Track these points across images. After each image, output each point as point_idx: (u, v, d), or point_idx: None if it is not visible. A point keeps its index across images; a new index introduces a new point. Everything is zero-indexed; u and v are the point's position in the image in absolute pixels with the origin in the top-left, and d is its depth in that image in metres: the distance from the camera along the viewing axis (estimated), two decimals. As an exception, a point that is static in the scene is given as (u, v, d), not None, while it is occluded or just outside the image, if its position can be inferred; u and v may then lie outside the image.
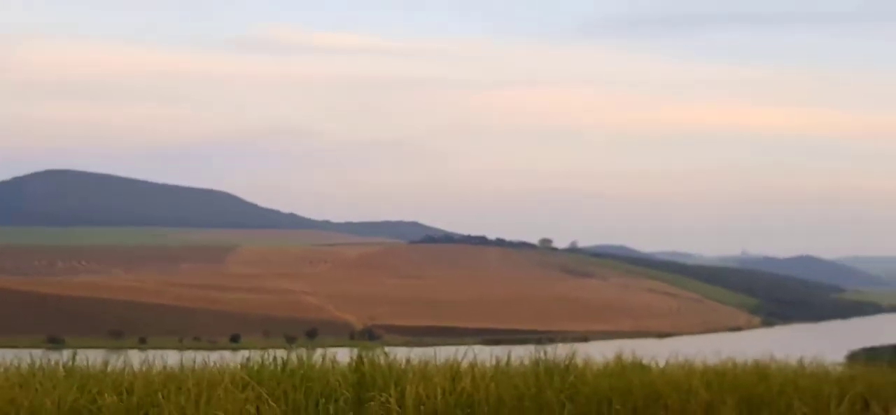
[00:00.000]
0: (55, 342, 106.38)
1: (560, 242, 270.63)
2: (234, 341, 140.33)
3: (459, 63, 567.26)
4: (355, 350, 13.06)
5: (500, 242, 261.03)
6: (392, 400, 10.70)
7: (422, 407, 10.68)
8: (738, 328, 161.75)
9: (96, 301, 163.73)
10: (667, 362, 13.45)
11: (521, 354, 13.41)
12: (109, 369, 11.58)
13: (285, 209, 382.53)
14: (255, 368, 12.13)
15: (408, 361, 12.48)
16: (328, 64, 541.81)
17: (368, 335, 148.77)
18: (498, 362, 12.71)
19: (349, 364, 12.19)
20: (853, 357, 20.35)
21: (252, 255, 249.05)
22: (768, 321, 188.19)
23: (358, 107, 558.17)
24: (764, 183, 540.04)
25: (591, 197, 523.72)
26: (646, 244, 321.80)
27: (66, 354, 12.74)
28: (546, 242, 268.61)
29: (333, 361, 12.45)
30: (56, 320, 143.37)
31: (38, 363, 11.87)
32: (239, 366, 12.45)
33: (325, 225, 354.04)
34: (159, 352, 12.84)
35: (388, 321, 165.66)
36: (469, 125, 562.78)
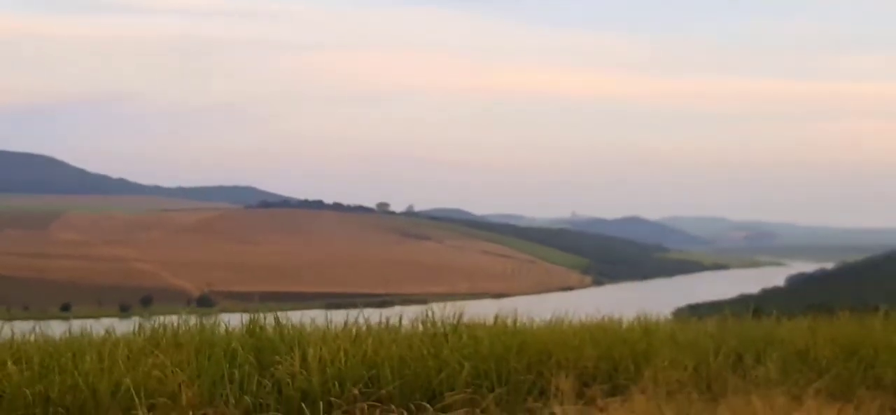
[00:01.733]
0: None
1: (397, 206, 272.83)
2: (65, 310, 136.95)
3: (285, 25, 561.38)
4: (246, 315, 13.09)
5: (337, 207, 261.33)
6: (296, 362, 10.73)
7: (327, 369, 10.70)
8: (570, 288, 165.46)
9: None
10: (543, 320, 13.87)
11: (390, 315, 13.68)
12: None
13: (114, 175, 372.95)
14: (147, 334, 12.08)
15: (303, 325, 12.58)
16: (154, 25, 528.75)
17: (206, 302, 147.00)
18: (387, 323, 12.93)
19: (245, 329, 12.19)
20: (678, 313, 21.21)
21: (80, 221, 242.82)
22: (599, 280, 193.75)
23: (187, 70, 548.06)
24: (591, 147, 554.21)
25: (426, 162, 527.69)
26: (480, 208, 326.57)
27: None
28: (383, 206, 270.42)
29: (227, 326, 12.44)
30: None
31: None
32: (130, 333, 12.36)
33: (157, 190, 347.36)
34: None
35: (227, 287, 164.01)
36: (299, 89, 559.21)
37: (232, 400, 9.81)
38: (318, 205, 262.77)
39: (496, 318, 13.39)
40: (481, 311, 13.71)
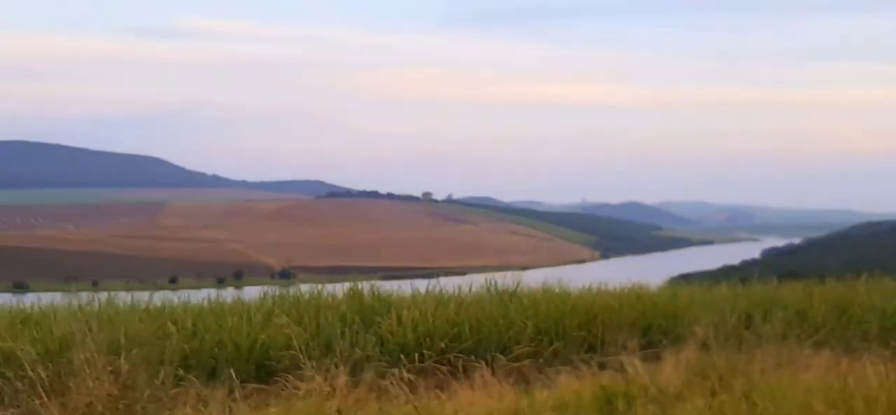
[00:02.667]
0: (20, 287, 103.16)
1: (438, 195, 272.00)
2: (173, 283, 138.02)
3: (344, 47, 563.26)
4: (346, 284, 13.21)
5: (389, 195, 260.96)
6: (393, 322, 10.86)
7: (418, 327, 10.81)
8: (582, 261, 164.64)
9: (52, 251, 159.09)
10: (583, 287, 13.80)
11: (462, 283, 13.67)
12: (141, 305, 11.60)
13: (209, 171, 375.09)
14: (272, 300, 12.19)
15: (391, 293, 12.67)
16: (234, 47, 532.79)
17: (286, 275, 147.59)
18: (459, 290, 12.98)
19: (348, 295, 12.28)
20: (673, 281, 20.95)
21: (181, 210, 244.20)
22: (606, 255, 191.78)
23: (263, 84, 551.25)
24: (597, 145, 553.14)
25: (463, 157, 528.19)
26: (506, 195, 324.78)
27: (31, 297, 12.63)
28: (427, 195, 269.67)
29: (332, 294, 12.53)
30: (17, 268, 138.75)
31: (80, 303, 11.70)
32: (257, 299, 12.47)
33: (243, 184, 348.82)
34: (113, 292, 12.59)
35: (302, 263, 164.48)
36: (357, 98, 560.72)
37: (345, 353, 10.00)
38: (374, 194, 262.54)
39: (544, 285, 13.43)
40: (515, 279, 13.45)
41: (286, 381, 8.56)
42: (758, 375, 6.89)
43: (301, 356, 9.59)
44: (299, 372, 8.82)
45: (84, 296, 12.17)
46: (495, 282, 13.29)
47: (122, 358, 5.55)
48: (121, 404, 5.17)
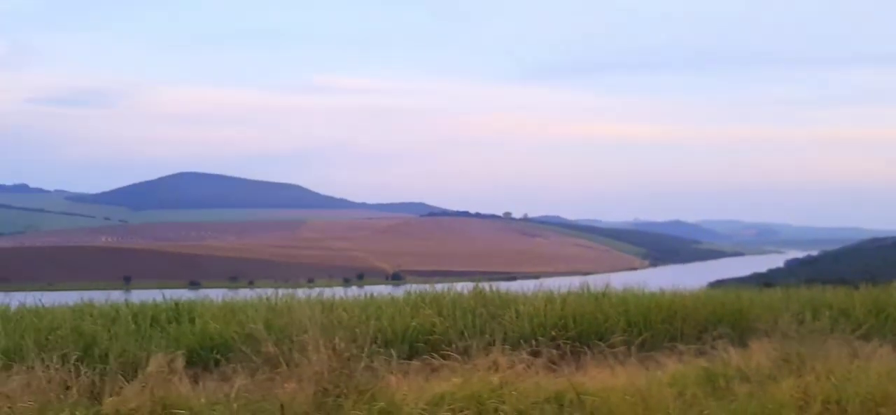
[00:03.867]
0: (195, 284, 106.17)
1: (516, 214, 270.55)
2: (310, 282, 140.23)
3: (442, 96, 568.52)
4: (470, 283, 13.18)
5: (477, 215, 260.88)
6: (513, 314, 10.83)
7: (533, 320, 10.76)
8: (635, 268, 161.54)
9: (217, 257, 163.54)
10: (658, 289, 13.48)
11: (553, 286, 13.47)
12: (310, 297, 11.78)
13: (337, 195, 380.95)
14: (414, 297, 12.24)
15: (504, 291, 12.59)
16: (355, 99, 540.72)
17: (397, 277, 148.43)
18: (551, 291, 12.76)
19: (474, 292, 12.23)
20: (712, 285, 20.19)
21: (317, 226, 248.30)
22: (654, 263, 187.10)
23: (378, 126, 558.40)
24: (646, 172, 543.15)
25: (535, 183, 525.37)
26: (571, 214, 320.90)
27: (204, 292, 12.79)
28: (507, 214, 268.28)
29: (459, 292, 12.50)
30: (193, 270, 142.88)
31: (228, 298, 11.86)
32: (405, 294, 12.52)
33: (363, 205, 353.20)
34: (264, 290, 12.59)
35: (408, 268, 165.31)
36: (451, 137, 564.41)
37: (476, 338, 10.00)
38: (465, 214, 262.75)
39: (626, 287, 13.19)
40: (576, 283, 13.10)
41: (432, 359, 8.60)
42: (834, 361, 6.70)
43: (441, 340, 9.75)
44: (444, 352, 8.90)
45: (269, 291, 12.53)
46: (588, 283, 13.13)
47: (336, 338, 5.65)
48: (343, 374, 5.28)
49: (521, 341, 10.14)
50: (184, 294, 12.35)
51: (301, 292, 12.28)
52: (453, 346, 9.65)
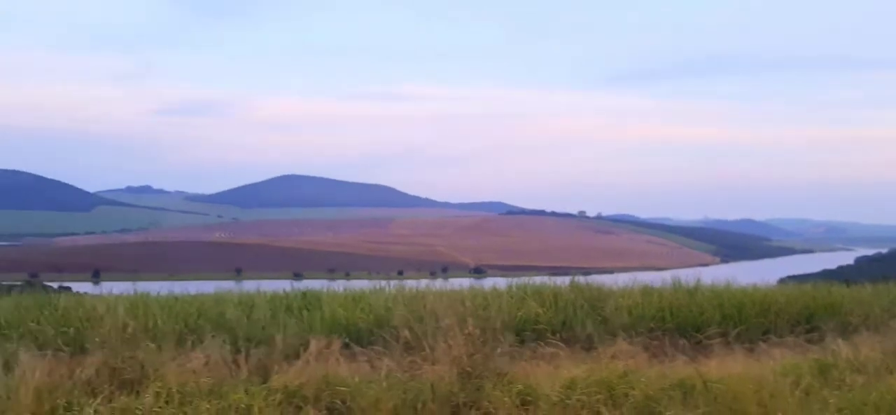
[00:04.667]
0: (297, 276, 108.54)
1: (590, 212, 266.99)
2: (400, 274, 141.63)
3: (520, 102, 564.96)
4: (547, 278, 12.87)
5: (553, 213, 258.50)
6: (611, 308, 10.63)
7: (632, 311, 10.55)
8: (706, 264, 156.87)
9: (317, 251, 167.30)
10: (748, 285, 12.95)
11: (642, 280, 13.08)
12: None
13: (423, 195, 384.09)
14: (516, 289, 12.11)
15: (597, 285, 12.28)
16: (438, 106, 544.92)
17: (479, 270, 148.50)
18: (647, 285, 12.43)
19: (571, 286, 11.98)
20: (783, 282, 19.11)
21: (404, 223, 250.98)
22: (725, 260, 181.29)
23: (460, 131, 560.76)
24: (716, 172, 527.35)
25: (608, 182, 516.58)
26: (644, 212, 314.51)
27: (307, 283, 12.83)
28: (582, 213, 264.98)
29: (558, 285, 12.24)
30: (295, 262, 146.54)
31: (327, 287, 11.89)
32: (509, 286, 12.31)
33: (447, 204, 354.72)
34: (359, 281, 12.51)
35: (489, 262, 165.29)
36: (528, 140, 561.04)
37: (578, 326, 9.88)
38: (542, 212, 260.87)
39: (712, 282, 12.76)
40: (653, 278, 12.65)
41: (539, 348, 8.52)
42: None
43: (545, 329, 9.67)
44: (549, 340, 8.82)
45: (393, 283, 12.63)
46: (679, 278, 12.75)
47: (469, 325, 5.71)
48: (478, 357, 5.35)
49: (621, 331, 10.03)
50: (289, 285, 12.52)
51: (391, 284, 12.22)
52: (557, 335, 9.64)
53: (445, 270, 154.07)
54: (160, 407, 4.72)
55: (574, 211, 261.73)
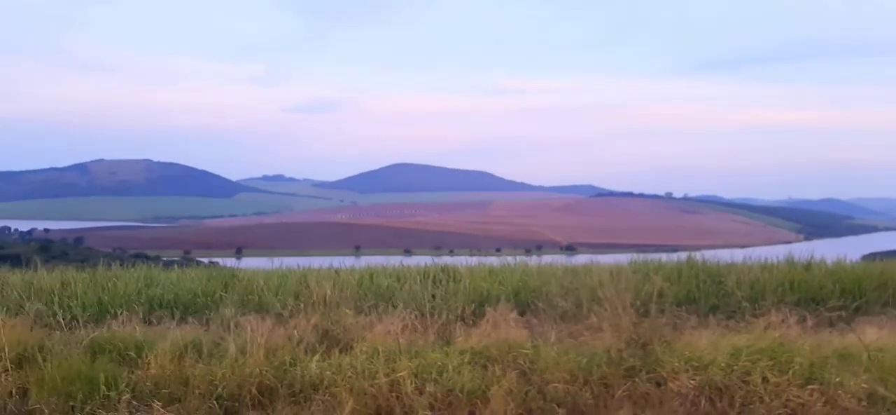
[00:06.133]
0: (408, 252, 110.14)
1: (677, 193, 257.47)
2: (498, 251, 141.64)
3: (607, 93, 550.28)
4: (636, 254, 12.39)
5: (641, 195, 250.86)
6: (733, 282, 10.20)
7: (754, 286, 10.11)
8: (789, 242, 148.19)
9: (425, 231, 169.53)
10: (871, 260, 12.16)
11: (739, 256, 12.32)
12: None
13: (519, 179, 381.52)
14: (639, 265, 11.79)
15: (714, 262, 11.80)
16: (537, 98, 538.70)
17: (570, 248, 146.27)
18: (767, 260, 11.80)
19: (687, 263, 11.58)
20: (866, 257, 17.58)
21: (502, 205, 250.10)
22: (808, 237, 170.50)
23: (557, 121, 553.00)
24: (800, 153, 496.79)
25: (694, 165, 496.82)
26: (728, 192, 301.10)
27: (417, 258, 12.77)
28: (668, 194, 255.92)
29: (676, 261, 11.81)
30: (406, 240, 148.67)
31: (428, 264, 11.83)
32: (621, 263, 12.06)
33: (541, 188, 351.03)
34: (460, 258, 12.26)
35: (581, 240, 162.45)
36: (615, 127, 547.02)
37: (703, 300, 9.53)
38: (630, 194, 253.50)
39: (819, 258, 11.98)
40: (739, 255, 11.62)
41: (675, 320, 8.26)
42: None
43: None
44: (676, 313, 8.54)
45: (514, 259, 12.55)
46: (793, 254, 12.09)
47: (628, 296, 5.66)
48: (645, 325, 5.32)
49: (745, 303, 9.64)
50: (401, 259, 12.58)
51: (493, 260, 12.11)
52: (683, 307, 9.37)
53: (540, 247, 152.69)
54: (370, 364, 4.97)
55: (661, 192, 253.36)
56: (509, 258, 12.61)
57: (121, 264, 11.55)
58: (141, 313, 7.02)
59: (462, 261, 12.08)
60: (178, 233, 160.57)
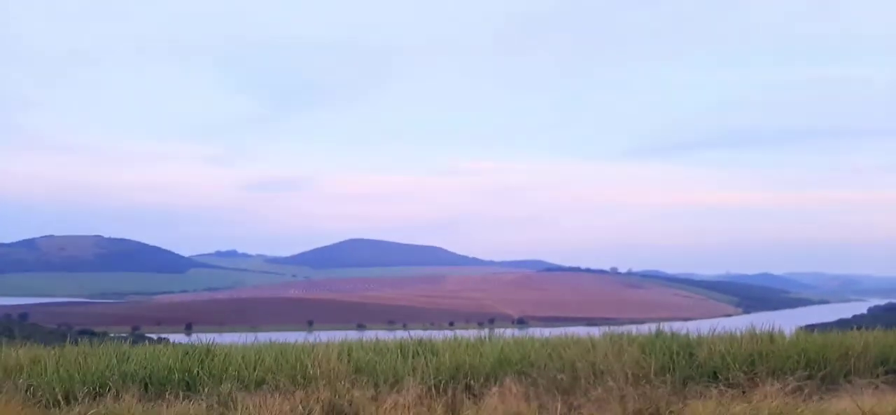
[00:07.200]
0: (361, 327, 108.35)
1: (621, 268, 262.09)
2: (451, 325, 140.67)
3: (554, 172, 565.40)
4: (586, 327, 12.60)
5: (588, 269, 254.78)
6: (711, 351, 10.29)
7: (725, 357, 10.16)
8: (729, 315, 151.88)
9: (378, 305, 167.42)
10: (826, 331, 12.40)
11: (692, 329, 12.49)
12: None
13: (470, 255, 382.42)
14: (615, 337, 11.86)
15: (686, 334, 11.90)
16: (486, 177, 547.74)
17: (522, 322, 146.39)
18: (731, 332, 11.91)
19: (657, 334, 11.65)
20: (801, 329, 18.06)
21: (455, 279, 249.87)
22: (746, 311, 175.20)
23: (505, 199, 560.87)
24: (737, 231, 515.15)
25: (637, 242, 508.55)
26: (670, 267, 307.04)
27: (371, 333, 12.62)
28: (614, 268, 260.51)
29: (647, 334, 11.91)
30: (359, 315, 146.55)
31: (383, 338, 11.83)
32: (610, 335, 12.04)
33: (491, 263, 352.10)
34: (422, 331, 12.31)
35: (531, 314, 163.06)
36: (564, 205, 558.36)
37: (678, 371, 9.60)
38: (577, 269, 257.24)
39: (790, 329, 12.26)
40: (680, 327, 11.96)
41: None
42: None
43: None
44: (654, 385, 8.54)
45: (501, 332, 12.45)
46: (754, 326, 12.29)
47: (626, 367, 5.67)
48: (652, 397, 5.30)
49: (717, 374, 9.73)
50: (354, 334, 12.38)
51: (442, 334, 12.05)
52: (659, 378, 9.40)
53: (492, 321, 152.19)
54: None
55: (607, 267, 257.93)
56: (484, 331, 12.50)
57: (65, 341, 11.10)
58: (153, 387, 6.66)
59: (416, 334, 11.97)
60: (127, 309, 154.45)
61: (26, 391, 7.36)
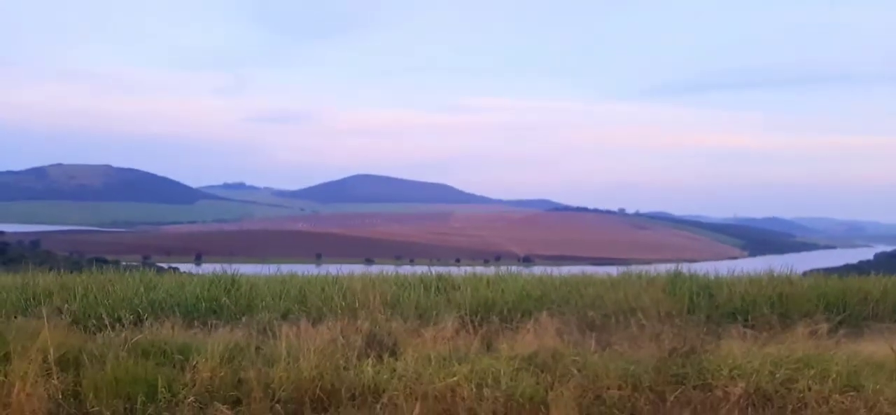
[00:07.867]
0: (369, 261, 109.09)
1: (629, 209, 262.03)
2: (457, 262, 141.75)
3: (569, 112, 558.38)
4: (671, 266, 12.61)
5: (595, 210, 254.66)
6: (725, 294, 10.39)
7: (745, 298, 10.28)
8: (734, 258, 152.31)
9: (385, 241, 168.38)
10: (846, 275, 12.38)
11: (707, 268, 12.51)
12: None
13: (478, 193, 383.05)
14: (635, 277, 11.93)
15: (703, 275, 11.95)
16: (496, 116, 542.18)
17: (527, 259, 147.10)
18: (751, 273, 11.94)
19: (674, 275, 11.71)
20: (806, 274, 18.09)
21: (461, 217, 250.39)
22: (752, 254, 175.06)
23: (518, 138, 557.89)
24: (746, 174, 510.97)
25: (647, 183, 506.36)
26: (678, 210, 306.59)
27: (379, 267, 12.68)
28: (621, 210, 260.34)
29: (666, 273, 11.93)
30: (367, 250, 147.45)
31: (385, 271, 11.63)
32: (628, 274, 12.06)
33: (499, 201, 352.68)
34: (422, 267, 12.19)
35: (536, 252, 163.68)
36: (574, 146, 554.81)
37: (699, 312, 9.66)
38: (584, 209, 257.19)
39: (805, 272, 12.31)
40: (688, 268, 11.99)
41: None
42: None
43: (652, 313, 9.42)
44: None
45: (506, 269, 12.57)
46: (773, 269, 12.32)
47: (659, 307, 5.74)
48: (687, 335, 5.38)
49: (737, 315, 9.83)
50: (361, 268, 12.46)
51: (454, 270, 12.12)
52: (680, 319, 9.51)
53: (498, 258, 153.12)
54: (423, 369, 4.93)
55: (614, 208, 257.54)
56: (503, 268, 12.61)
57: (79, 268, 11.28)
58: (179, 315, 6.82)
59: (420, 270, 12.11)
60: (137, 238, 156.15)
61: (62, 315, 7.53)
